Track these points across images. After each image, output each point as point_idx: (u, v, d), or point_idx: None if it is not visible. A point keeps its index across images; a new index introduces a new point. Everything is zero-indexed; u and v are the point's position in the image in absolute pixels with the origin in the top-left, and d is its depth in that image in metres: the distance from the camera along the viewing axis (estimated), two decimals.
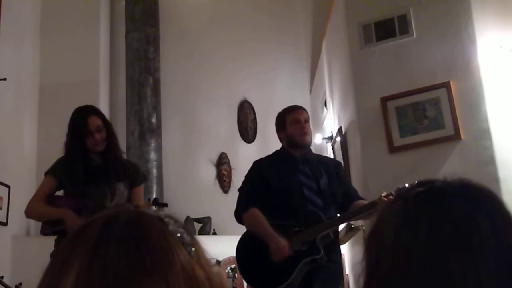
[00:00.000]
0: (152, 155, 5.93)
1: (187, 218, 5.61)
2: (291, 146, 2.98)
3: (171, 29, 6.59)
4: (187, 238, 0.63)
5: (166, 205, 2.90)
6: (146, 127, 5.97)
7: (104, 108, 5.36)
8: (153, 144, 5.97)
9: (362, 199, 2.95)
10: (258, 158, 3.10)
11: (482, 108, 3.50)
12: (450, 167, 3.43)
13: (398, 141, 3.73)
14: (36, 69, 5.67)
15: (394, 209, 0.76)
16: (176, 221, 0.65)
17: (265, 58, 6.90)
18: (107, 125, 2.81)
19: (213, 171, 6.42)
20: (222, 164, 6.44)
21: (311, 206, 2.82)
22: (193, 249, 0.63)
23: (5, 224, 4.68)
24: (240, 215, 2.89)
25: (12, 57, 5.06)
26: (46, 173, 2.81)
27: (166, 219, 0.65)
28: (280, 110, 3.11)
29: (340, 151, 4.69)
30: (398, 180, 2.52)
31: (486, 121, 3.47)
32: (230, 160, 6.47)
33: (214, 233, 5.87)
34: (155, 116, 6.08)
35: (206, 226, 5.86)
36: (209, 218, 5.91)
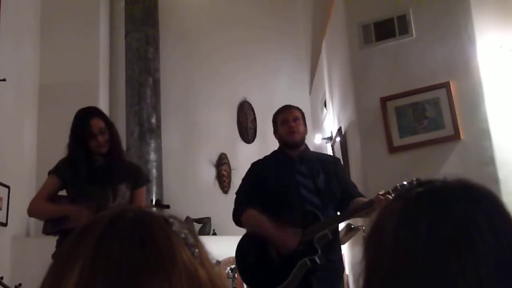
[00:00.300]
0: (152, 156, 5.93)
1: (187, 218, 5.60)
2: (285, 146, 2.99)
3: (171, 30, 6.58)
4: (191, 239, 0.64)
5: (168, 206, 2.87)
6: (146, 128, 5.96)
7: (104, 109, 5.34)
8: (153, 145, 5.96)
9: (362, 195, 2.93)
10: (258, 158, 3.10)
11: (481, 108, 3.50)
12: (449, 167, 3.43)
13: (397, 141, 3.73)
14: (36, 69, 5.66)
15: (394, 209, 0.76)
16: (180, 222, 0.66)
17: (265, 58, 6.90)
18: (110, 127, 2.79)
19: (213, 172, 6.42)
20: (222, 164, 6.45)
21: (309, 206, 2.81)
22: (197, 250, 0.63)
23: (5, 224, 4.67)
24: (238, 218, 2.89)
25: (12, 57, 5.06)
26: (50, 173, 2.80)
27: (171, 220, 0.65)
28: None
29: (340, 151, 4.69)
30: (398, 180, 2.53)
31: (486, 121, 3.47)
32: (230, 161, 6.48)
33: (214, 234, 5.87)
34: (154, 116, 6.08)
35: (206, 226, 5.86)
36: (209, 219, 5.91)
